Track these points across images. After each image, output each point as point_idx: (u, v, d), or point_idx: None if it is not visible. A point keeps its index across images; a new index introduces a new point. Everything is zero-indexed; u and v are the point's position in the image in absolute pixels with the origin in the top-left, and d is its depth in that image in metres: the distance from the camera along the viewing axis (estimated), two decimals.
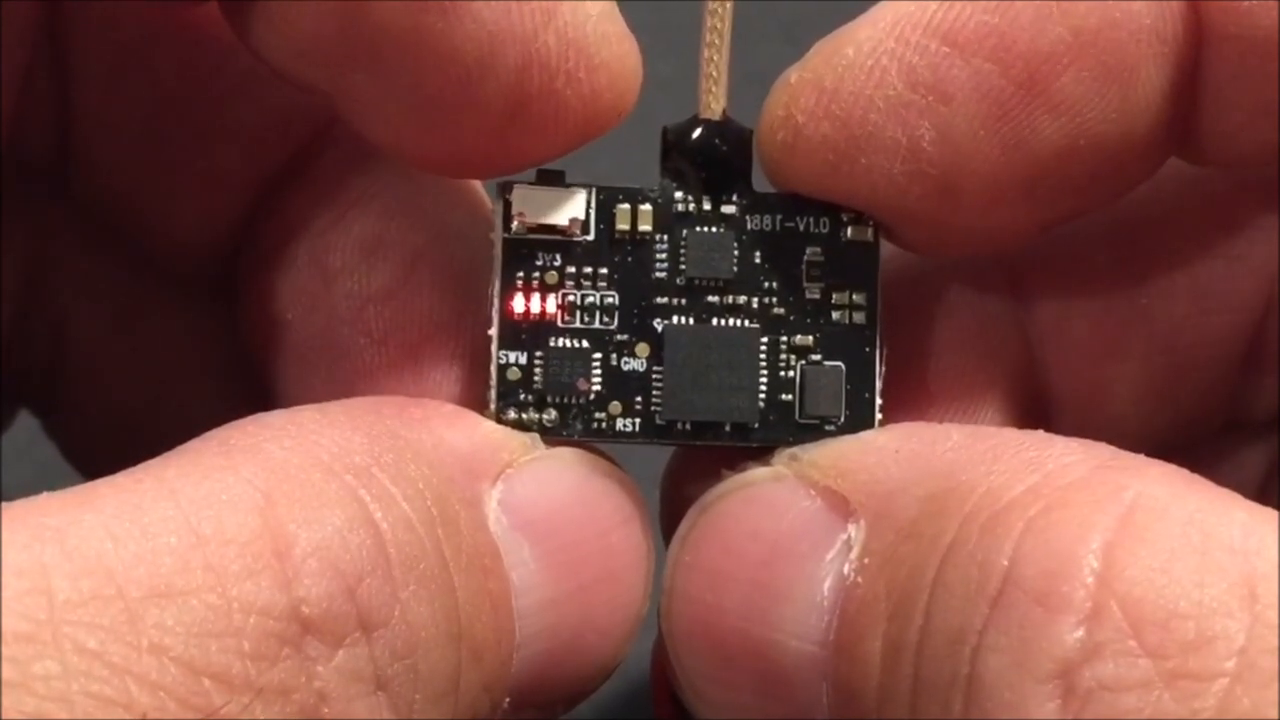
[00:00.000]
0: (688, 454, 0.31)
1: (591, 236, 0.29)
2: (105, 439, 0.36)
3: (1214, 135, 0.28)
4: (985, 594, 0.23)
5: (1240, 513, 0.23)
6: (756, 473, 0.28)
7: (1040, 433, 0.26)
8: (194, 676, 0.22)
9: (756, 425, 0.29)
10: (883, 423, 0.29)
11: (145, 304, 0.35)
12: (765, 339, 0.29)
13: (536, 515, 0.27)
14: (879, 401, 0.29)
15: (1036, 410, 0.32)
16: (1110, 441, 0.25)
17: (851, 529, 0.26)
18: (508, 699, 0.27)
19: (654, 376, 0.29)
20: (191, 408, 0.35)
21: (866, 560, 0.26)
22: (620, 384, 0.29)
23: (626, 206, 0.29)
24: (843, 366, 0.29)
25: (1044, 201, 0.28)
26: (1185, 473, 0.24)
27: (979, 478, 0.25)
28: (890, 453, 0.27)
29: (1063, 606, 0.22)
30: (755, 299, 0.29)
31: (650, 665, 0.31)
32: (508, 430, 0.28)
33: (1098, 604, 0.22)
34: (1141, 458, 0.25)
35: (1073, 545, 0.23)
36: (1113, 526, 0.23)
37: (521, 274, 0.28)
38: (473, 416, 0.28)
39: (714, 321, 0.29)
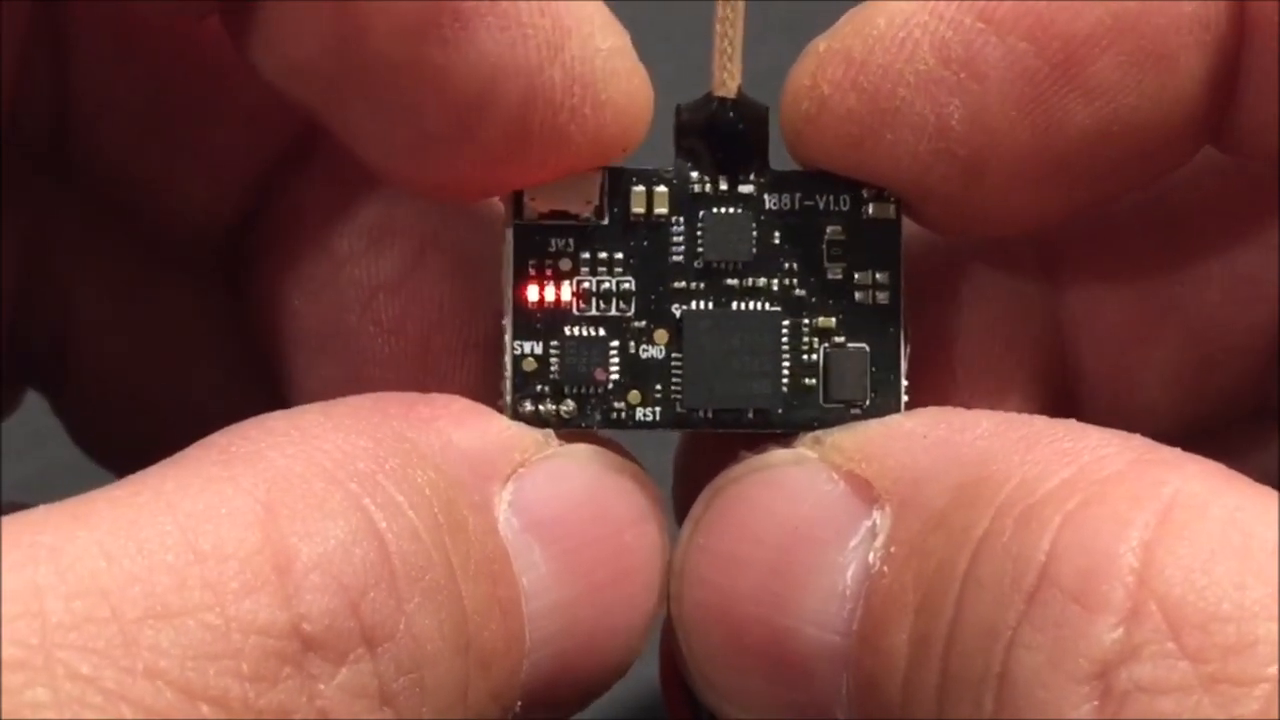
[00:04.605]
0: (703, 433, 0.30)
1: (605, 221, 0.28)
2: (112, 420, 0.35)
3: (1251, 128, 0.27)
4: (1020, 589, 0.23)
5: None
6: (777, 455, 0.27)
7: (1073, 422, 0.25)
8: (190, 701, 0.21)
9: (780, 410, 0.28)
10: (909, 405, 0.28)
11: (151, 285, 0.34)
12: (787, 322, 0.28)
13: (548, 515, 0.26)
14: (905, 383, 0.28)
15: (1065, 395, 0.32)
16: (1139, 429, 0.25)
17: (876, 515, 0.26)
18: (519, 703, 0.26)
19: (673, 364, 0.28)
20: (200, 390, 0.35)
21: (893, 549, 0.25)
22: (639, 372, 0.28)
23: (641, 189, 0.28)
24: (867, 348, 0.28)
25: (1072, 185, 0.27)
26: (1223, 469, 0.24)
27: (1012, 468, 0.24)
28: (918, 438, 0.26)
29: (1101, 605, 0.22)
30: (775, 281, 0.28)
31: (659, 659, 0.30)
32: (520, 427, 0.27)
33: (1137, 604, 0.22)
34: (1178, 451, 0.24)
35: (1111, 542, 0.22)
36: (1152, 524, 0.22)
37: (534, 261, 0.28)
38: (484, 413, 0.27)
39: (734, 305, 0.28)
